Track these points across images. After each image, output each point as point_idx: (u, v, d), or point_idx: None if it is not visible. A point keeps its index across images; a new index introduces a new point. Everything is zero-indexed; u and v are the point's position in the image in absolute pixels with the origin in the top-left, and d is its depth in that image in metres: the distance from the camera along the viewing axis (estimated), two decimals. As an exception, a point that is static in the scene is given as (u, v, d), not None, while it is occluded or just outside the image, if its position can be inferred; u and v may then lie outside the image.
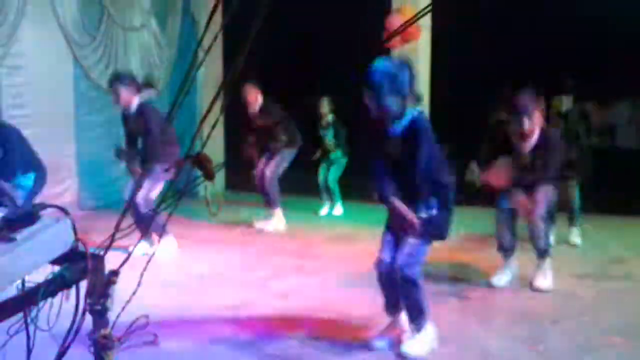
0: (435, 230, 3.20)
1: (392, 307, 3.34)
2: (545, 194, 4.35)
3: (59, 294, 1.67)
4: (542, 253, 4.37)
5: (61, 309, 1.69)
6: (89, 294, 1.71)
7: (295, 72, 8.02)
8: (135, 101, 5.26)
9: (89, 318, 1.72)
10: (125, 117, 5.41)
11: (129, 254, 1.82)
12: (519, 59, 7.61)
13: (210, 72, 8.19)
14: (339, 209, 7.36)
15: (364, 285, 4.05)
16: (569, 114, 7.65)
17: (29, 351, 1.78)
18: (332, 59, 7.58)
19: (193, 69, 1.90)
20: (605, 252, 5.40)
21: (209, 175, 1.90)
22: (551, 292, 4.30)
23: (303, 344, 3.35)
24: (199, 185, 2.00)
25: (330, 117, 7.22)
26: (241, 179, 6.75)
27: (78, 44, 7.04)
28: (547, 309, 3.92)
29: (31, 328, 1.74)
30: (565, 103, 7.90)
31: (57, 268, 1.70)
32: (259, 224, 6.52)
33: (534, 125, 4.27)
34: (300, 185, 7.55)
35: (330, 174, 7.27)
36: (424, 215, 3.13)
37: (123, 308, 1.79)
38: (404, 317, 3.32)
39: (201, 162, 1.88)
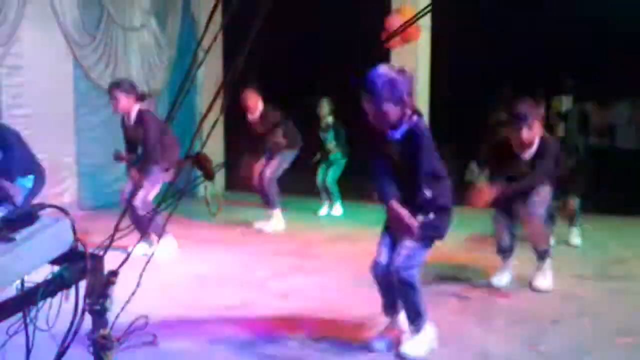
0: (434, 233, 3.19)
1: (390, 309, 3.34)
2: (543, 195, 4.35)
3: (59, 294, 1.67)
4: (542, 254, 4.37)
5: (60, 309, 1.69)
6: (88, 294, 1.71)
7: (295, 73, 8.02)
8: (134, 108, 5.25)
9: (88, 318, 1.72)
10: (125, 124, 5.39)
11: (129, 254, 1.82)
12: (519, 59, 7.61)
13: (210, 72, 8.19)
14: (338, 209, 7.36)
15: (364, 286, 4.05)
16: (569, 114, 7.66)
17: (29, 351, 1.78)
18: (332, 59, 7.59)
19: (193, 68, 1.90)
20: (605, 252, 5.40)
21: (209, 175, 1.89)
22: (551, 292, 4.30)
23: (303, 344, 3.35)
24: (199, 185, 2.00)
25: (330, 119, 7.22)
26: (241, 179, 6.76)
27: (78, 43, 7.04)
28: (547, 309, 3.92)
29: (30, 328, 1.74)
30: (565, 103, 7.90)
31: (56, 268, 1.70)
32: (258, 224, 6.52)
33: (533, 135, 4.27)
34: (300, 186, 7.55)
35: (329, 174, 7.27)
36: (421, 219, 3.13)
37: (122, 308, 1.79)
38: (402, 317, 3.32)
39: (201, 162, 1.88)
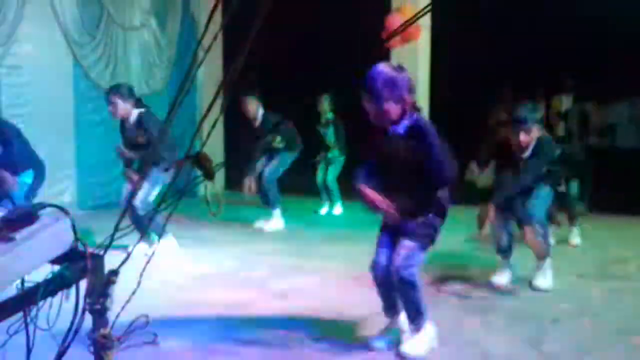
0: (434, 234, 3.19)
1: (390, 309, 3.34)
2: (542, 195, 4.36)
3: (59, 294, 1.67)
4: (542, 256, 4.37)
5: (61, 309, 1.69)
6: (88, 293, 1.71)
7: (295, 73, 8.01)
8: (133, 113, 5.23)
9: (88, 318, 1.72)
10: (124, 127, 5.37)
11: (129, 254, 1.82)
12: (519, 59, 7.61)
13: (210, 72, 8.19)
14: (338, 209, 7.36)
15: (364, 285, 4.05)
16: (569, 113, 7.65)
17: (29, 351, 1.78)
18: (332, 59, 7.58)
19: (193, 68, 1.90)
20: (605, 252, 5.40)
21: (209, 175, 1.89)
22: (551, 291, 4.30)
23: (302, 344, 3.35)
24: (199, 184, 2.00)
25: (330, 115, 7.22)
26: (241, 179, 6.76)
27: (77, 43, 7.05)
28: (547, 309, 3.92)
29: (31, 327, 1.74)
30: (565, 103, 7.90)
31: (56, 268, 1.70)
32: (258, 224, 6.53)
33: (530, 139, 4.29)
34: (300, 185, 7.55)
35: (329, 173, 7.27)
36: (421, 219, 3.13)
37: (123, 308, 1.79)
38: (403, 317, 3.32)
39: (201, 161, 1.88)
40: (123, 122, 5.35)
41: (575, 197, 5.69)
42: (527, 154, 4.35)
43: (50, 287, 1.63)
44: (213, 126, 1.92)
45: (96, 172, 7.38)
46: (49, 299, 1.66)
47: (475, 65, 7.64)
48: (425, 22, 6.86)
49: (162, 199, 1.97)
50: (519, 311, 3.91)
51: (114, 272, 1.74)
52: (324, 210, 7.39)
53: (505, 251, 4.47)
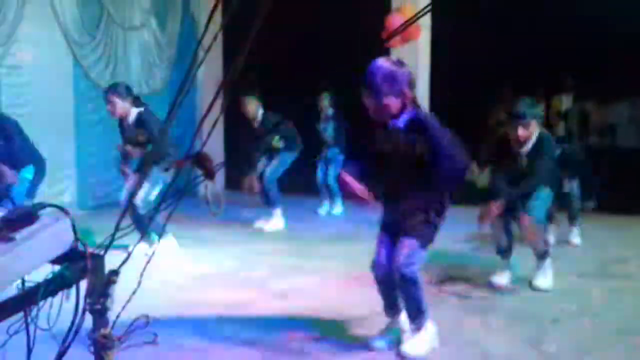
0: (434, 233, 3.18)
1: (391, 308, 3.34)
2: (543, 196, 4.35)
3: (59, 294, 1.67)
4: (541, 255, 4.37)
5: (61, 309, 1.69)
6: (88, 293, 1.71)
7: (295, 73, 8.01)
8: (132, 112, 5.23)
9: (89, 317, 1.72)
10: (123, 127, 5.36)
11: (129, 254, 1.82)
12: (519, 59, 7.61)
13: (210, 72, 8.18)
14: (338, 208, 7.36)
15: (364, 285, 4.05)
16: (569, 113, 7.64)
17: (29, 351, 1.78)
18: (332, 58, 7.58)
19: (193, 68, 1.90)
20: (605, 251, 5.40)
21: (209, 175, 1.89)
22: (551, 291, 4.30)
23: (302, 344, 3.35)
24: (200, 184, 2.00)
25: (330, 111, 7.21)
26: (241, 179, 6.76)
27: (77, 43, 7.05)
28: (547, 309, 3.92)
29: (31, 327, 1.74)
30: (565, 102, 7.89)
31: (57, 268, 1.69)
32: (258, 224, 6.53)
33: (529, 133, 4.28)
34: (300, 185, 7.55)
35: (330, 172, 7.25)
36: (422, 217, 3.12)
37: (123, 307, 1.79)
38: (403, 317, 3.32)
39: (201, 161, 1.88)
40: (121, 121, 5.35)
41: (576, 197, 5.67)
42: (526, 149, 4.33)
43: (51, 287, 1.63)
44: (213, 126, 1.92)
45: (96, 172, 7.38)
46: (49, 299, 1.66)
47: (475, 65, 7.63)
48: (425, 22, 6.86)
49: (162, 198, 1.97)
50: (519, 311, 3.91)
51: (115, 272, 1.74)
52: (323, 210, 7.38)
53: (505, 252, 4.47)
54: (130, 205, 4.84)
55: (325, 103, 7.20)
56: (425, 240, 3.17)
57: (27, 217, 1.69)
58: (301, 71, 7.94)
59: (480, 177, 7.69)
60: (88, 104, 7.20)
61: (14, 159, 4.53)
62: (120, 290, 1.77)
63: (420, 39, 6.50)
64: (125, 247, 1.90)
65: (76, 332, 1.66)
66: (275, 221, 6.49)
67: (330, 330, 3.55)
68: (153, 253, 2.08)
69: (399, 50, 6.54)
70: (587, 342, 3.39)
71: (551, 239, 5.23)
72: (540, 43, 7.58)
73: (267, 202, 6.54)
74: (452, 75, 7.74)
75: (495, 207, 4.16)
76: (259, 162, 6.52)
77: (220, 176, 8.75)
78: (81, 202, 7.20)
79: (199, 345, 3.34)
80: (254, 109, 6.42)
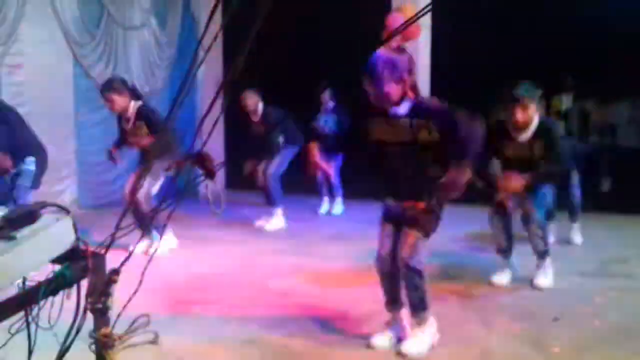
0: (436, 221, 3.17)
1: (392, 303, 3.32)
2: (544, 195, 4.35)
3: (60, 293, 1.67)
4: (542, 254, 4.37)
5: (62, 308, 1.69)
6: (89, 292, 1.72)
7: (295, 73, 8.01)
8: (131, 106, 5.21)
9: (90, 317, 1.72)
10: (122, 123, 5.35)
11: (130, 253, 1.82)
12: (519, 58, 7.60)
13: (210, 72, 8.18)
14: (339, 206, 7.34)
15: (365, 284, 4.05)
16: (569, 113, 7.64)
17: (30, 350, 1.78)
18: (332, 58, 7.58)
19: (193, 68, 1.90)
20: (606, 250, 5.40)
21: (210, 174, 1.90)
22: (551, 290, 4.30)
23: (303, 343, 3.35)
24: (200, 184, 2.00)
25: (331, 104, 7.18)
26: (241, 178, 6.77)
27: (78, 42, 7.05)
28: (547, 308, 3.92)
29: (32, 327, 1.74)
30: (565, 102, 7.89)
31: (57, 267, 1.70)
32: (259, 223, 6.53)
33: (527, 116, 4.23)
34: (300, 184, 7.55)
35: (331, 169, 7.22)
36: (424, 204, 3.10)
37: (124, 307, 1.79)
38: (404, 314, 3.31)
39: (202, 160, 1.88)
40: (120, 117, 5.34)
41: (577, 194, 5.65)
42: (526, 136, 4.29)
43: (52, 286, 1.63)
44: (214, 126, 1.92)
45: (97, 171, 7.39)
46: (50, 298, 1.66)
47: (476, 64, 7.63)
48: (426, 21, 6.86)
49: (163, 197, 1.97)
50: (520, 310, 3.91)
51: (115, 271, 1.74)
52: (324, 209, 7.37)
53: (505, 251, 4.47)
54: (132, 202, 4.86)
55: (327, 97, 7.17)
56: (429, 230, 3.16)
57: (28, 216, 1.69)
58: (301, 72, 7.93)
59: (480, 182, 7.69)
60: (88, 103, 7.20)
61: (14, 148, 4.51)
62: (121, 290, 1.78)
63: (420, 38, 6.50)
64: (126, 246, 1.91)
65: (77, 331, 1.67)
66: (276, 220, 6.49)
67: (330, 329, 3.55)
68: (154, 252, 2.08)
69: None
70: (587, 341, 3.39)
71: (551, 238, 5.23)
72: (541, 43, 7.57)
73: (269, 201, 6.54)
74: (452, 74, 7.73)
75: (519, 179, 4.09)
76: (261, 161, 6.52)
77: (220, 176, 8.74)
78: (82, 201, 7.20)
79: (200, 345, 3.34)
80: (254, 103, 6.41)
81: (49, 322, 1.74)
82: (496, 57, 7.54)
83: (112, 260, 1.78)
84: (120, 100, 5.16)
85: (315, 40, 8.09)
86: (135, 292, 1.79)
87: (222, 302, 4.06)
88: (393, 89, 3.02)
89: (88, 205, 7.19)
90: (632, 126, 9.50)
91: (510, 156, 4.36)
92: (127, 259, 1.78)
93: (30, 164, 4.62)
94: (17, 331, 1.75)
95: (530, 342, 3.36)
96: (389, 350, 3.23)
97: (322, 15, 8.11)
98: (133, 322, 1.75)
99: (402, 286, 3.24)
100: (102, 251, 1.75)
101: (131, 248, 1.86)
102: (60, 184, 6.93)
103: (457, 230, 5.78)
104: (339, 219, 7.12)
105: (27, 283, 1.67)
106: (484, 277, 4.52)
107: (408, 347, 3.18)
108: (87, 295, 1.71)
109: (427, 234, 3.16)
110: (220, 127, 8.39)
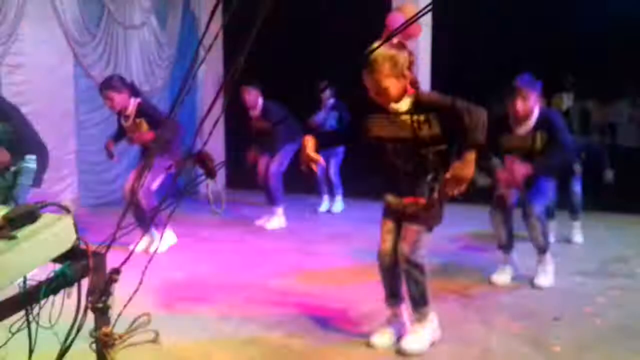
0: (438, 216, 3.17)
1: (393, 297, 3.31)
2: (545, 188, 4.33)
3: (61, 292, 1.67)
4: (542, 249, 4.37)
5: (63, 307, 1.69)
6: (90, 292, 1.72)
7: (296, 72, 8.01)
8: (131, 103, 5.22)
9: (90, 316, 1.72)
10: (122, 121, 5.34)
11: (131, 252, 1.83)
12: (520, 57, 7.60)
13: (210, 71, 8.19)
14: (339, 203, 7.34)
15: (365, 283, 4.06)
16: (570, 111, 7.63)
17: (31, 349, 1.78)
18: (333, 58, 7.58)
19: (194, 67, 1.90)
20: (606, 250, 5.40)
21: (211, 174, 1.90)
22: (552, 289, 4.30)
23: (303, 342, 3.35)
24: (201, 183, 2.00)
25: (332, 101, 7.18)
26: (242, 178, 6.78)
27: (78, 42, 7.05)
28: (548, 307, 3.93)
29: (33, 326, 1.75)
30: (566, 101, 7.89)
31: (58, 266, 1.70)
32: (259, 222, 6.53)
33: (528, 107, 4.23)
34: (300, 183, 7.55)
35: (331, 166, 7.21)
36: (425, 199, 3.10)
37: (124, 306, 1.79)
38: (404, 309, 3.31)
39: (203, 160, 1.88)
40: (119, 114, 5.34)
41: (578, 191, 5.65)
42: (528, 127, 4.28)
43: (52, 285, 1.64)
44: (214, 125, 1.93)
45: (97, 170, 7.39)
46: (50, 297, 1.66)
47: (476, 63, 7.64)
48: (426, 20, 6.86)
49: (164, 197, 1.97)
50: (520, 309, 3.91)
51: (116, 271, 1.75)
52: (323, 207, 7.36)
53: (505, 247, 4.46)
54: (132, 200, 4.87)
55: (327, 94, 7.17)
56: (431, 224, 3.16)
57: (28, 215, 1.69)
58: (302, 71, 7.94)
59: (481, 175, 7.69)
60: (88, 102, 7.21)
61: (14, 145, 4.51)
62: (122, 289, 1.78)
63: (421, 37, 6.50)
64: (127, 245, 1.91)
65: (78, 330, 1.67)
66: (277, 219, 6.50)
67: (331, 328, 3.55)
68: (155, 251, 2.09)
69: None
70: (588, 341, 3.39)
71: (552, 237, 5.23)
72: (541, 41, 7.58)
73: (269, 200, 6.54)
74: (453, 73, 7.74)
75: (521, 169, 4.07)
76: (262, 158, 6.52)
77: (221, 175, 8.75)
78: (82, 201, 7.21)
79: (200, 344, 3.35)
80: (254, 98, 6.39)
81: (49, 321, 1.74)
82: (497, 56, 7.54)
83: (113, 259, 1.79)
84: (119, 98, 5.16)
85: (315, 38, 8.09)
86: (135, 292, 1.79)
87: (223, 301, 4.06)
88: (393, 84, 3.02)
89: (88, 205, 7.20)
90: (633, 125, 9.51)
91: (511, 149, 4.35)
92: (127, 258, 1.78)
93: (30, 161, 4.61)
94: (18, 330, 1.75)
95: (531, 342, 3.36)
96: (389, 349, 3.23)
97: (322, 13, 8.11)
98: (133, 322, 1.75)
99: (403, 281, 3.24)
100: (103, 250, 1.75)
101: (132, 247, 1.86)
102: (61, 183, 6.94)
103: (457, 230, 5.78)
104: (339, 217, 7.12)
105: (28, 282, 1.68)
106: (483, 277, 4.52)
107: (408, 343, 3.17)
108: (88, 295, 1.71)
109: (430, 228, 3.16)
110: (221, 126, 8.39)
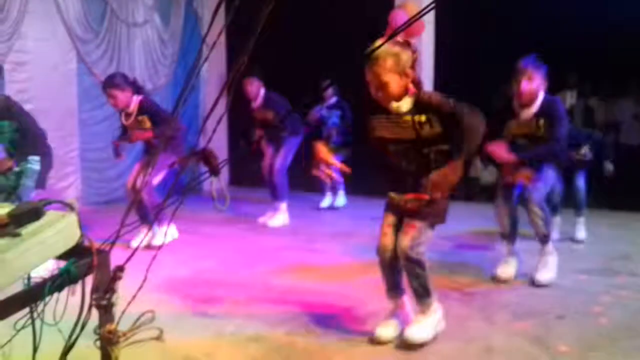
0: (441, 213, 3.17)
1: (393, 290, 3.31)
2: (546, 176, 4.32)
3: (65, 289, 1.68)
4: (543, 239, 4.35)
5: (67, 304, 1.70)
6: (94, 289, 1.72)
7: (296, 72, 8.01)
8: (134, 101, 5.22)
9: (95, 313, 1.73)
10: (124, 119, 5.35)
11: (135, 250, 1.83)
12: (523, 54, 7.60)
13: (214, 69, 8.18)
14: (341, 198, 7.33)
15: (368, 281, 4.06)
16: (573, 109, 7.63)
17: (35, 346, 1.79)
18: (334, 58, 7.57)
19: (197, 65, 1.90)
20: (609, 248, 5.39)
21: (215, 171, 1.90)
22: (555, 287, 4.29)
23: (306, 340, 3.36)
24: (205, 180, 2.00)
25: (334, 99, 7.17)
26: (245, 175, 6.78)
27: (81, 39, 7.06)
28: (551, 305, 3.92)
29: (37, 323, 1.75)
30: (570, 99, 7.89)
31: (62, 263, 1.71)
32: (262, 219, 6.53)
33: (533, 88, 4.21)
34: (302, 180, 7.55)
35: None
36: (428, 197, 3.09)
37: (129, 303, 1.80)
38: (406, 300, 3.30)
39: (206, 157, 1.88)
40: (121, 112, 5.34)
41: (582, 187, 5.64)
42: (531, 112, 4.26)
43: (57, 282, 1.64)
44: (218, 123, 1.93)
45: (100, 168, 7.40)
46: (55, 295, 1.67)
47: (479, 61, 7.64)
48: (429, 17, 6.85)
49: (167, 194, 1.97)
50: (523, 307, 3.91)
51: (120, 268, 1.75)
52: (326, 202, 7.35)
53: (509, 237, 4.45)
54: (135, 196, 4.88)
55: (329, 92, 7.16)
56: (432, 220, 3.16)
57: (33, 213, 1.70)
58: (302, 71, 7.93)
59: (484, 173, 7.70)
60: (92, 100, 7.22)
61: (18, 145, 4.51)
62: (126, 286, 1.79)
63: (423, 35, 6.49)
64: (131, 243, 1.91)
65: (82, 327, 1.68)
66: (280, 216, 6.49)
67: (334, 326, 3.56)
68: (158, 249, 2.09)
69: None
70: (592, 339, 3.39)
71: (555, 235, 5.23)
72: (545, 39, 7.57)
73: (274, 196, 6.53)
74: (456, 71, 7.73)
75: (506, 152, 4.08)
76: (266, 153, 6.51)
77: (224, 173, 8.75)
78: (85, 198, 7.22)
79: (203, 341, 3.35)
80: (256, 89, 6.37)
81: (54, 318, 1.74)
82: (500, 53, 7.53)
83: (117, 256, 1.79)
84: (122, 96, 5.18)
85: (318, 36, 8.09)
86: (139, 289, 1.80)
87: (226, 298, 4.07)
88: (394, 81, 3.01)
89: (92, 202, 7.20)
90: (636, 123, 9.49)
91: (515, 133, 4.35)
92: (131, 255, 1.79)
93: (34, 162, 4.62)
94: (23, 327, 1.76)
95: (535, 340, 3.35)
96: (392, 347, 3.23)
97: (325, 11, 8.11)
98: (138, 319, 1.75)
99: (403, 274, 3.24)
100: (107, 248, 1.76)
101: (136, 244, 1.86)
102: (64, 181, 6.95)
103: (459, 226, 5.77)
104: (341, 215, 7.11)
105: (32, 279, 1.68)
106: (486, 274, 4.51)
107: (411, 332, 3.16)
108: (92, 292, 1.72)
109: (431, 225, 3.15)
110: (224, 124, 8.39)
